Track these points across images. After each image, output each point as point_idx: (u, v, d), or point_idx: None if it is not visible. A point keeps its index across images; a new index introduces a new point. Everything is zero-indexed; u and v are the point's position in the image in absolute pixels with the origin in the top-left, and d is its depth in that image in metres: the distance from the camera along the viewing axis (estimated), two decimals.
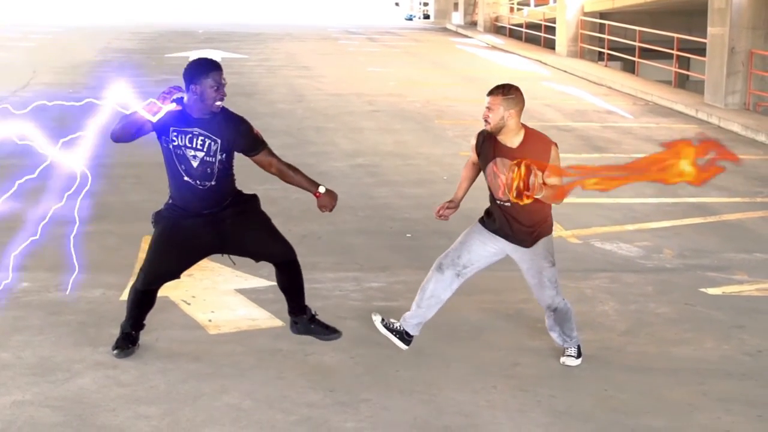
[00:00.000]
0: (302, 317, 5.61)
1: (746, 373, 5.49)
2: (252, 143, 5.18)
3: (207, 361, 5.39)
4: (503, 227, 5.24)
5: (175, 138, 5.05)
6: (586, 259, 7.73)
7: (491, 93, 5.09)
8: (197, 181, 5.10)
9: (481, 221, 5.37)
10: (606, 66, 22.62)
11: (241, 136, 5.14)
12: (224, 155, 5.11)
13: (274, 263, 5.49)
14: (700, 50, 17.84)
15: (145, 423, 4.64)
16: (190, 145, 5.05)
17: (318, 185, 5.27)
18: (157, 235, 5.28)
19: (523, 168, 4.73)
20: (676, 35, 19.45)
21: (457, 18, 35.90)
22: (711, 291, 6.96)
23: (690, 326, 6.23)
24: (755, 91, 16.26)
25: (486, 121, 5.11)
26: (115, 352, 5.37)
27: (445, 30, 34.67)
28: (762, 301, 6.85)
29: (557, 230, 8.39)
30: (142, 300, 5.37)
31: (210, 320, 6.03)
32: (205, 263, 6.24)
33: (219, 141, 5.07)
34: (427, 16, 40.27)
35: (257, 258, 5.53)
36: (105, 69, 20.00)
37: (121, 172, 9.84)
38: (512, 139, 5.12)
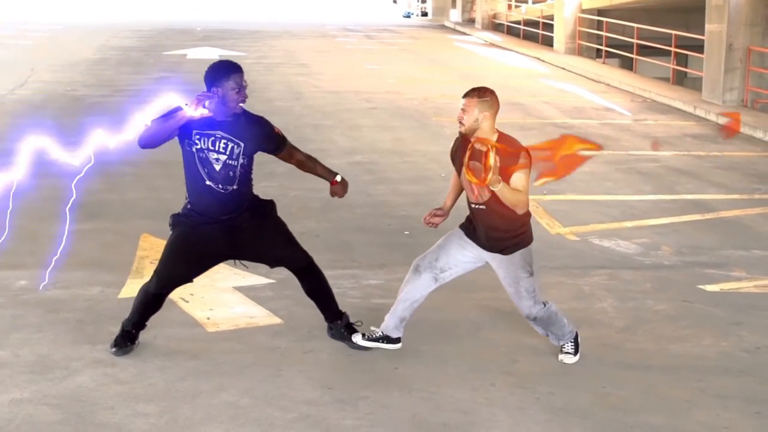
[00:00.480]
0: (337, 323, 5.58)
1: (744, 370, 5.50)
2: (276, 143, 5.25)
3: (205, 359, 5.38)
4: (479, 233, 5.23)
5: (197, 141, 5.04)
6: (585, 256, 7.73)
7: (466, 95, 5.07)
8: (219, 185, 5.09)
9: (462, 227, 5.38)
10: (604, 63, 22.62)
11: (266, 139, 5.20)
12: (246, 159, 5.13)
13: (290, 269, 5.49)
14: (698, 47, 17.83)
15: (144, 421, 4.63)
16: (213, 148, 5.04)
17: (335, 174, 5.39)
18: (173, 239, 5.27)
19: (478, 147, 4.74)
20: (673, 32, 19.45)
21: (455, 15, 35.89)
22: (709, 288, 6.96)
23: (688, 323, 6.23)
24: (753, 87, 16.25)
25: (460, 122, 5.08)
26: (113, 350, 5.36)
27: (442, 27, 34.67)
28: (760, 297, 6.86)
29: (555, 227, 8.42)
30: (151, 302, 5.38)
31: (208, 318, 6.03)
32: None
33: (242, 144, 5.08)
34: (425, 14, 40.26)
35: (272, 264, 5.54)
36: (102, 67, 20.01)
37: (120, 170, 9.83)
38: None
